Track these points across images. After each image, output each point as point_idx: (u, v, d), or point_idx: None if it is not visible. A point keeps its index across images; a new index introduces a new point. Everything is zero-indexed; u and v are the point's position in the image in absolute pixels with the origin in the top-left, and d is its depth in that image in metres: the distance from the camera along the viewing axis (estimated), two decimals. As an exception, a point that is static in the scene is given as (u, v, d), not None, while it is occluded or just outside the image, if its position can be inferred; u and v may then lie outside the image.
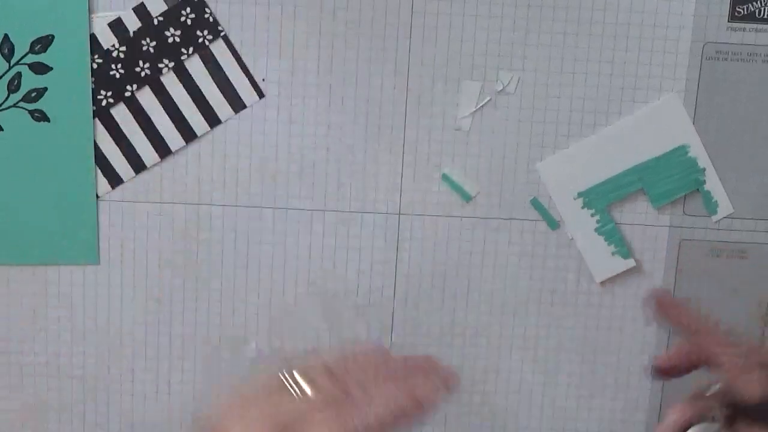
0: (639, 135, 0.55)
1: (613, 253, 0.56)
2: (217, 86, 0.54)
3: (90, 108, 0.54)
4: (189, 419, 0.57)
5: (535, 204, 0.56)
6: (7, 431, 0.57)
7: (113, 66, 0.53)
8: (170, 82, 0.54)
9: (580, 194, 0.56)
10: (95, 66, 0.53)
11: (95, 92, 0.54)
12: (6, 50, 0.52)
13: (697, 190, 0.56)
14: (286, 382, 0.46)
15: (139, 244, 0.56)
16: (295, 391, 0.47)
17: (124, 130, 0.54)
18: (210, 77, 0.54)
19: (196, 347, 0.57)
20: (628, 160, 0.55)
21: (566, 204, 0.56)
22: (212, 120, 0.55)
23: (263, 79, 0.54)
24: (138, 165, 0.55)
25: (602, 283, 0.57)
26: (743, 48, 0.54)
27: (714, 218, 0.56)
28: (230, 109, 0.54)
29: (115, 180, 0.55)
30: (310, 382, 0.46)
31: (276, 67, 0.54)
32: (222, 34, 0.54)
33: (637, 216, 0.56)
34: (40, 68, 0.53)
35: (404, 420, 0.45)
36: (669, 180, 0.55)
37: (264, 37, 0.54)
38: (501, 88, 0.54)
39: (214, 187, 0.55)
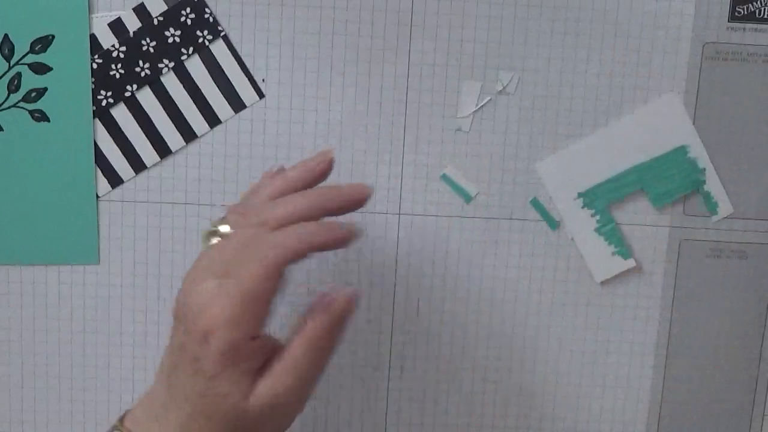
0: (639, 135, 0.55)
1: (613, 253, 0.56)
2: (217, 86, 0.54)
3: (90, 108, 0.54)
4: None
5: (535, 204, 0.56)
6: (7, 431, 0.57)
7: (113, 66, 0.53)
8: (170, 82, 0.54)
9: (580, 194, 0.56)
10: (95, 66, 0.53)
11: (95, 92, 0.54)
12: (6, 50, 0.52)
13: (697, 190, 0.56)
14: (209, 235, 0.45)
15: (139, 244, 0.56)
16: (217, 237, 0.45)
17: (124, 130, 0.54)
18: (210, 77, 0.54)
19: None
20: (628, 160, 0.55)
21: (566, 204, 0.56)
22: (212, 120, 0.55)
23: (263, 79, 0.54)
24: (138, 165, 0.55)
25: (602, 283, 0.57)
26: (743, 48, 0.54)
27: (714, 218, 0.56)
28: (230, 109, 0.54)
29: (115, 180, 0.55)
30: (226, 222, 0.46)
31: (276, 67, 0.54)
32: (222, 34, 0.54)
33: (637, 216, 0.56)
34: (40, 68, 0.53)
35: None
36: (669, 180, 0.55)
37: (264, 37, 0.54)
38: (501, 88, 0.54)
39: (214, 187, 0.55)
